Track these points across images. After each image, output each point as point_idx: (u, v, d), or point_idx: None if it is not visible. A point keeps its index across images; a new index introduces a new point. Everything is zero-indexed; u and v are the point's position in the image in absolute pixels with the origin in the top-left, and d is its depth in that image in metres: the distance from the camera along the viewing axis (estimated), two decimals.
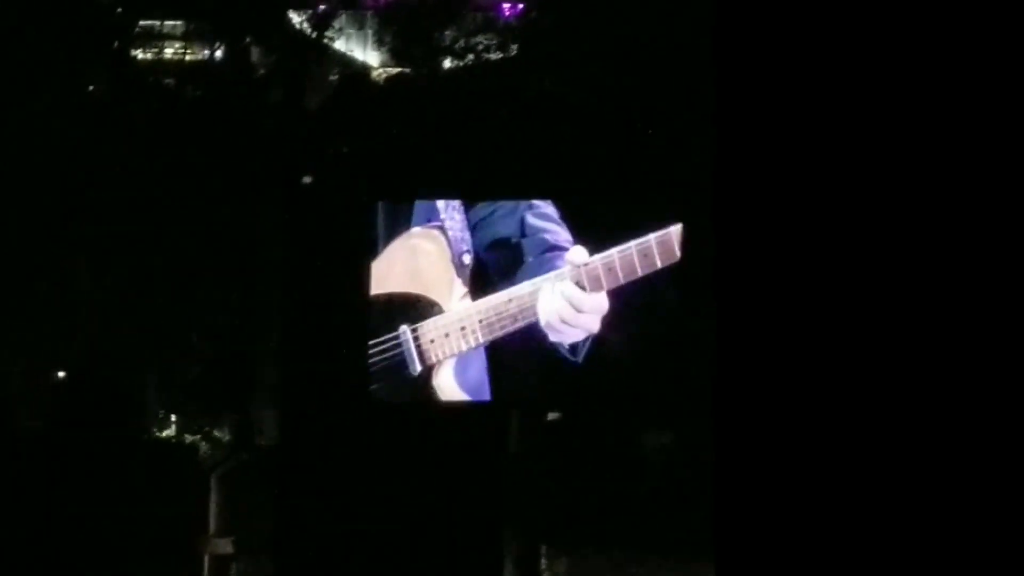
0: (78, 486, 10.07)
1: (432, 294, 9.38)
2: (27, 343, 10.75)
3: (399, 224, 9.38)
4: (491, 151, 9.83)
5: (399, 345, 9.40)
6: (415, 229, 9.34)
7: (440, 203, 9.31)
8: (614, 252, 8.92)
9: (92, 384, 10.77)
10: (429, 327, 9.35)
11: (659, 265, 8.87)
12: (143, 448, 10.89)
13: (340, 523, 9.73)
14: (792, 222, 4.54)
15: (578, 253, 9.03)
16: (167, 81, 11.06)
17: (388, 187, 9.79)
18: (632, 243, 8.87)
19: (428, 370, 9.39)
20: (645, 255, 8.85)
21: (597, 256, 8.96)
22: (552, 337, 9.14)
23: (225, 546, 10.52)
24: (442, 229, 9.30)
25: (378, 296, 9.46)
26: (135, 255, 10.59)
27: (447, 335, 9.34)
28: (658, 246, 8.84)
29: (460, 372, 9.37)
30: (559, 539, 10.26)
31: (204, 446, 11.49)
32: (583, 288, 9.02)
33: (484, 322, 9.25)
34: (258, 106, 10.51)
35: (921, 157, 4.52)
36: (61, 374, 11.06)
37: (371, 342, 9.44)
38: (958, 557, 4.32)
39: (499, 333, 9.22)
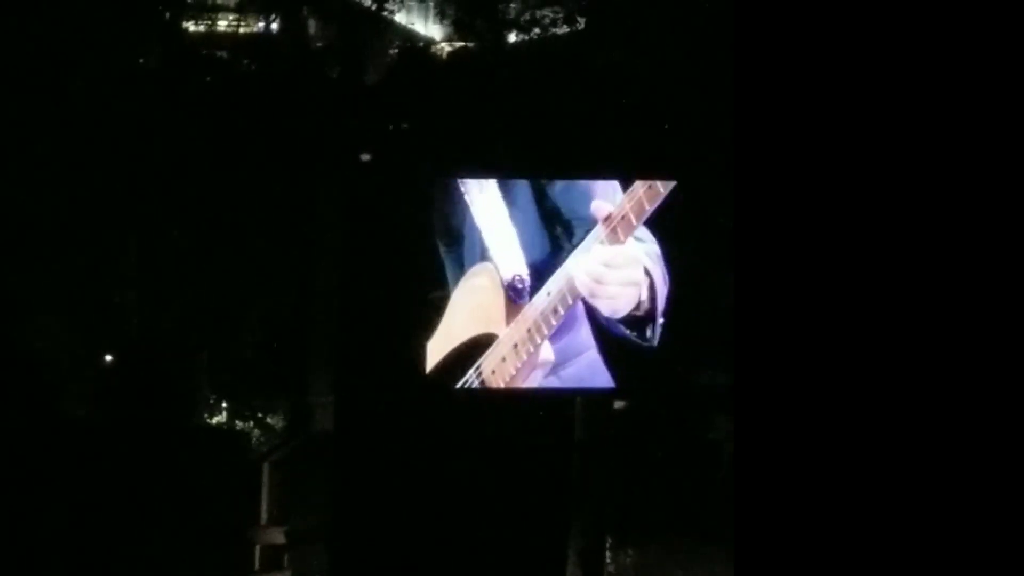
0: (125, 475, 9.86)
1: (491, 328, 9.26)
2: (73, 326, 10.49)
3: (455, 270, 9.23)
4: (557, 128, 9.56)
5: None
6: (471, 269, 9.22)
7: (485, 233, 9.14)
8: (624, 198, 8.84)
9: (140, 369, 10.54)
10: (487, 360, 9.24)
11: (662, 192, 8.77)
12: (193, 435, 10.63)
13: (397, 514, 9.55)
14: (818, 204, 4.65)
15: (601, 206, 8.92)
16: (220, 55, 10.78)
17: (450, 165, 9.54)
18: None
19: None
20: (650, 187, 8.78)
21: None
22: (602, 309, 8.95)
23: (277, 536, 10.32)
24: (488, 259, 9.16)
25: (449, 352, 9.28)
26: (187, 234, 10.39)
27: (503, 359, 9.21)
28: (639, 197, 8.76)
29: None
30: (625, 531, 10.09)
31: (256, 432, 11.31)
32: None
33: (532, 328, 9.10)
34: (315, 81, 10.21)
35: (928, 141, 4.62)
36: (108, 358, 10.74)
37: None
38: (975, 536, 4.49)
39: (550, 331, 9.06)
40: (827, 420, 4.65)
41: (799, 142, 4.73)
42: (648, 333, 8.96)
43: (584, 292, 8.97)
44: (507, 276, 9.12)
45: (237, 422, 11.32)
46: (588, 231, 8.94)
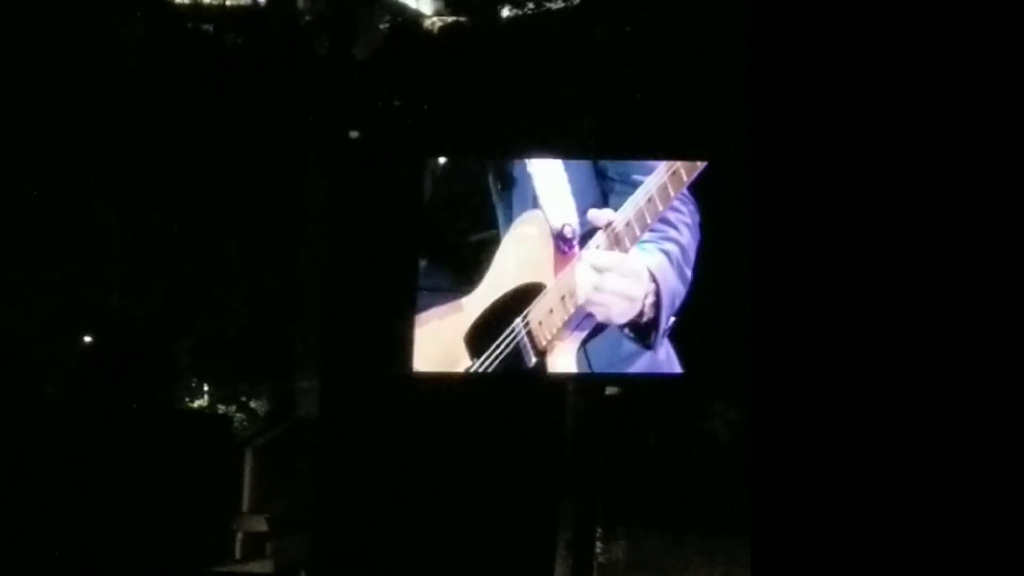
0: (104, 459, 9.70)
1: (539, 277, 9.00)
2: (51, 306, 10.27)
3: (506, 216, 9.04)
4: (550, 106, 9.38)
5: (515, 339, 9.04)
6: (520, 216, 9.01)
7: (537, 179, 8.93)
8: (628, 206, 8.68)
9: (120, 350, 10.35)
10: (535, 310, 8.99)
11: (660, 209, 8.61)
12: (174, 419, 10.51)
13: (383, 502, 9.41)
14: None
15: (600, 214, 8.78)
16: (206, 28, 10.52)
17: (440, 143, 9.39)
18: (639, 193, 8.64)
19: (542, 356, 9.00)
20: (649, 200, 8.60)
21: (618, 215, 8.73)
22: (596, 315, 8.78)
23: (259, 524, 10.22)
24: (538, 206, 8.95)
25: (495, 301, 9.05)
26: (170, 212, 10.11)
27: (551, 311, 8.97)
28: (658, 191, 8.59)
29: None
30: (616, 521, 9.86)
31: (239, 417, 11.05)
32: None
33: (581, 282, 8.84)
34: (303, 56, 9.98)
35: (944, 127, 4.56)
36: (87, 339, 10.55)
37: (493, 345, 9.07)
38: (996, 526, 4.46)
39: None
40: (846, 420, 4.59)
41: (818, 138, 4.67)
42: (650, 340, 8.79)
43: (581, 297, 8.83)
44: (556, 225, 8.90)
45: (219, 406, 11.07)
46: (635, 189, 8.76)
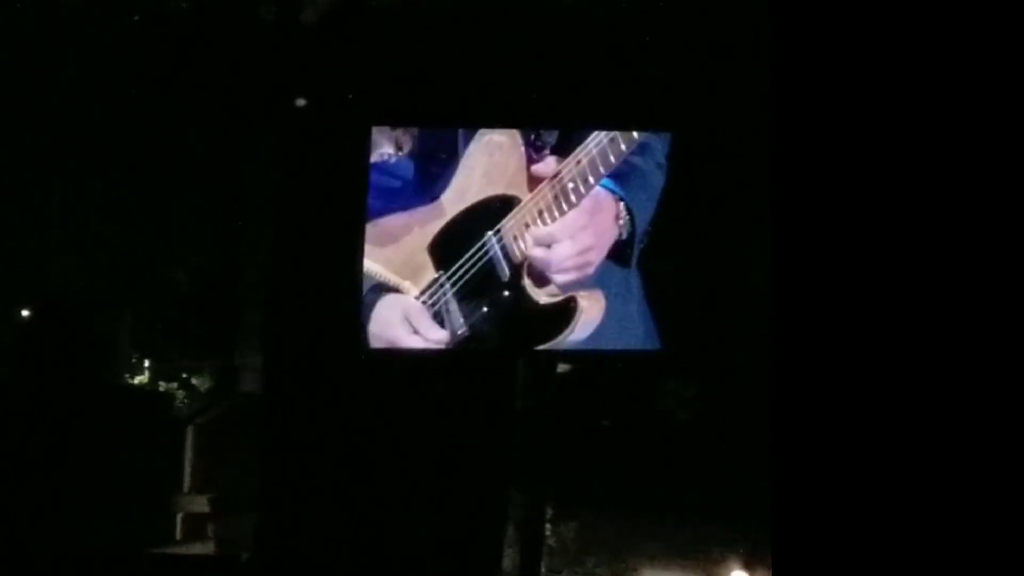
0: (39, 436, 9.42)
1: (511, 189, 8.91)
2: None
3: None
4: (502, 75, 9.20)
5: (487, 253, 8.94)
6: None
7: None
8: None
9: (58, 324, 10.09)
10: (509, 224, 8.89)
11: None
12: (113, 395, 10.18)
13: (328, 482, 9.20)
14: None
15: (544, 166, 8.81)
16: None
17: (389, 112, 9.15)
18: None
19: (517, 271, 8.94)
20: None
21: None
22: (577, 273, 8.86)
23: (201, 504, 10.03)
24: None
25: (461, 213, 8.94)
26: (110, 182, 9.90)
27: (527, 224, 8.88)
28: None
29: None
30: (566, 503, 9.73)
31: (181, 394, 10.83)
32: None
33: (560, 195, 8.83)
34: (248, 21, 9.77)
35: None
36: (24, 313, 10.31)
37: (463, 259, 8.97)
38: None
39: (579, 200, 8.81)
40: (866, 416, 4.45)
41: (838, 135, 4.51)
42: (628, 259, 8.84)
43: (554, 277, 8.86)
44: (528, 133, 8.90)
45: (160, 382, 10.86)
46: None
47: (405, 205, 8.96)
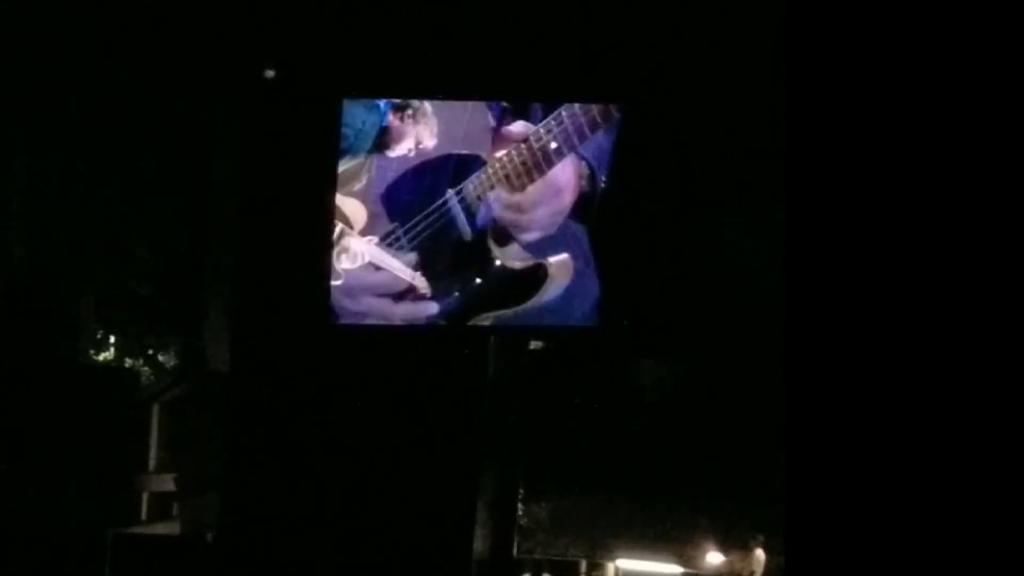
0: (3, 414, 9.24)
1: (473, 149, 8.86)
2: None
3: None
4: (471, 46, 9.08)
5: (447, 210, 8.86)
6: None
7: None
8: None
9: (22, 300, 9.87)
10: (472, 184, 8.83)
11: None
12: (78, 372, 10.03)
13: (295, 462, 9.10)
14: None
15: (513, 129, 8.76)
16: None
17: (357, 82, 9.05)
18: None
19: (482, 234, 8.90)
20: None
21: None
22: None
23: (166, 483, 9.92)
24: None
25: (417, 167, 8.88)
26: (76, 155, 9.69)
27: (493, 187, 8.82)
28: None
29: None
30: (538, 482, 9.67)
31: (146, 371, 10.80)
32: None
33: (529, 162, 8.77)
34: None
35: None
36: None
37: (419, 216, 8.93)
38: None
39: (549, 167, 8.77)
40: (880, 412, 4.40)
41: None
42: (590, 213, 8.80)
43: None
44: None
45: (126, 359, 10.79)
46: None
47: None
